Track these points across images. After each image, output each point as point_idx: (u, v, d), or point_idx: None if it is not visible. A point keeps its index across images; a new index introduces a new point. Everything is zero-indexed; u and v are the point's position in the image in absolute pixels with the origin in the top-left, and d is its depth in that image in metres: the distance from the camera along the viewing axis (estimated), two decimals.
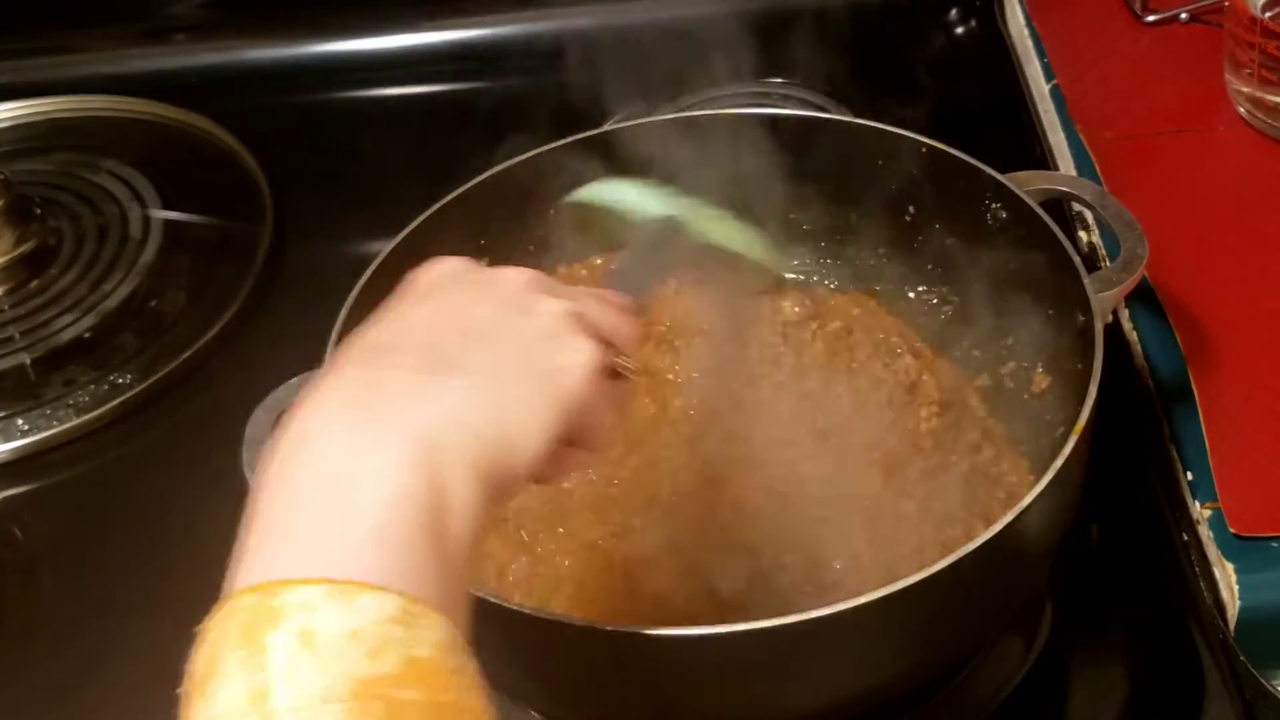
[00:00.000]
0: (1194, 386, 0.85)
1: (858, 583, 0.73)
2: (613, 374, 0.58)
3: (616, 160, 0.90)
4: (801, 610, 0.62)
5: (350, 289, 0.80)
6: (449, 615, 0.47)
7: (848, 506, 0.78)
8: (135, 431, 0.99)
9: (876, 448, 0.81)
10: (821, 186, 0.90)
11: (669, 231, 0.71)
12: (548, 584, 0.78)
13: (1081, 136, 1.03)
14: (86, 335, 1.05)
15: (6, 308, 1.08)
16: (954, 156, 0.84)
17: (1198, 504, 0.81)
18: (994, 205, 0.82)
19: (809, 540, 0.76)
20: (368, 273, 0.82)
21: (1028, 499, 0.66)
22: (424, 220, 0.85)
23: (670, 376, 0.88)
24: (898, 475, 0.80)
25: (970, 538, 0.65)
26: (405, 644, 0.44)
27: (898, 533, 0.76)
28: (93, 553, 0.92)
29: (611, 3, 1.26)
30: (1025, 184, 0.82)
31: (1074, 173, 1.02)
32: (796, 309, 0.89)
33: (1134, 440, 0.87)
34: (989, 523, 0.65)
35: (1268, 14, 0.98)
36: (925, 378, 0.85)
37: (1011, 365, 0.84)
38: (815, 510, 0.78)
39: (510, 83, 1.21)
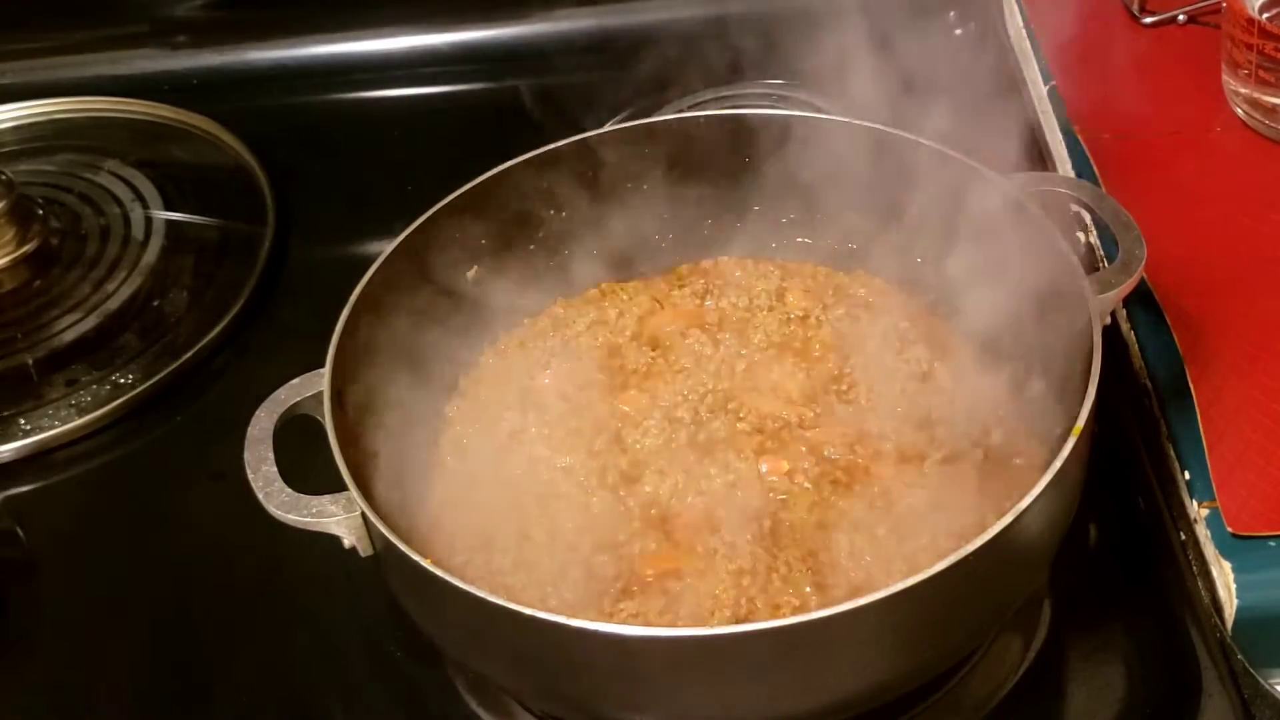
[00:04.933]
0: (1192, 387, 0.85)
1: (883, 575, 0.72)
2: None
3: (617, 160, 0.91)
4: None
5: (352, 289, 0.81)
6: None
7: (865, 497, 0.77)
8: (137, 432, 0.99)
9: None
10: (819, 188, 0.90)
11: None
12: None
13: (1079, 137, 1.03)
14: (89, 335, 1.05)
15: (9, 308, 1.08)
16: (953, 157, 0.84)
17: (1195, 503, 0.81)
18: (992, 206, 0.83)
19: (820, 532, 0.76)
20: (369, 273, 0.82)
21: (1026, 500, 0.66)
22: (425, 220, 0.86)
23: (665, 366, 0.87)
24: (912, 465, 0.79)
25: (984, 527, 0.65)
26: None
27: (913, 523, 0.75)
28: (94, 553, 0.92)
29: (613, 5, 1.26)
30: (1024, 185, 0.82)
31: (1072, 174, 1.02)
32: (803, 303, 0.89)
33: (1132, 440, 0.87)
34: (1001, 512, 0.65)
35: (1265, 15, 0.98)
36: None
37: (1009, 367, 0.84)
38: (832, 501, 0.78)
39: (511, 83, 1.21)
